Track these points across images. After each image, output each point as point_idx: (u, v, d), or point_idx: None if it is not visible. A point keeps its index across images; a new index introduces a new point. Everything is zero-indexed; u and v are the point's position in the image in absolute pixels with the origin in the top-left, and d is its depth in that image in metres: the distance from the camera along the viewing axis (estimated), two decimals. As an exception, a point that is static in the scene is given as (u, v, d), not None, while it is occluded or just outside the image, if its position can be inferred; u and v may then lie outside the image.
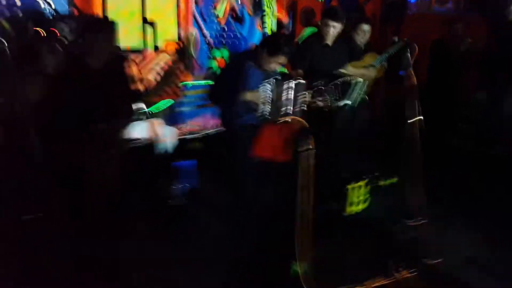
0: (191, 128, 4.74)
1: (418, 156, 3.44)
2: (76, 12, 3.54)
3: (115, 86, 2.58)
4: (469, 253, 3.08)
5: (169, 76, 2.97)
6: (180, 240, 3.20)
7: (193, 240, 3.23)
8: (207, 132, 4.87)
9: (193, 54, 4.57)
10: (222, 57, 4.92)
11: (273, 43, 3.12)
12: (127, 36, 3.81)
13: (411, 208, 3.40)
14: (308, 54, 3.78)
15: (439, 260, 2.88)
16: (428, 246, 3.03)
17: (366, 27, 4.23)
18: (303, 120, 2.79)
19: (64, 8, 3.45)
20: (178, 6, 4.19)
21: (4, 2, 2.47)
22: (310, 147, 2.58)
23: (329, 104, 3.51)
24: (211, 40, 4.76)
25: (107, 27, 2.59)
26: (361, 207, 3.64)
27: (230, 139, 3.13)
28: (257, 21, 5.21)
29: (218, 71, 4.88)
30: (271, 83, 3.06)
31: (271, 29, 5.37)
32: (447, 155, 4.83)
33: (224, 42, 4.91)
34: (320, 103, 3.41)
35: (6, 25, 1.58)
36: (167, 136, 4.37)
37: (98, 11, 3.56)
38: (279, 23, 5.48)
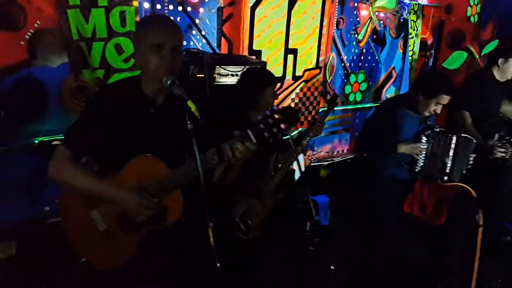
0: (319, 154, 4.59)
1: None
2: (224, 40, 3.57)
3: None
4: None
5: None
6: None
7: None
8: (335, 159, 4.69)
9: (328, 79, 4.40)
10: (357, 82, 4.68)
11: (430, 83, 2.78)
12: (269, 65, 3.76)
13: None
14: (478, 94, 3.26)
15: None
16: None
17: None
18: (467, 187, 2.44)
19: (213, 37, 3.51)
20: (320, 32, 4.02)
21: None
22: (479, 223, 2.25)
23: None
24: (347, 64, 4.54)
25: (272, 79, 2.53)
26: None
27: (376, 190, 2.89)
28: (399, 42, 4.85)
29: (352, 97, 4.66)
30: (429, 135, 2.75)
31: (413, 51, 4.99)
32: None
33: (360, 65, 4.66)
34: (500, 154, 2.96)
35: (192, 106, 1.53)
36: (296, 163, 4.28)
37: (245, 40, 3.54)
38: (423, 44, 5.05)
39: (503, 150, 2.96)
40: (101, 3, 2.89)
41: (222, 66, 2.63)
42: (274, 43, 3.75)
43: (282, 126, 1.50)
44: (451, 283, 2.77)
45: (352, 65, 4.59)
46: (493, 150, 2.96)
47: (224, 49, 3.57)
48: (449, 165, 2.77)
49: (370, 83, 4.80)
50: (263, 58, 3.70)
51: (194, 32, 3.39)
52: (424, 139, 2.76)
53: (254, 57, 3.58)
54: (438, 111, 2.80)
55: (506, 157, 2.98)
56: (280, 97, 3.99)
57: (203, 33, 3.43)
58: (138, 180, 1.70)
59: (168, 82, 1.60)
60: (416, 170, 2.81)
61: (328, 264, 3.26)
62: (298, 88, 4.07)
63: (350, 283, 3.09)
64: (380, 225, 2.94)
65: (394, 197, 2.88)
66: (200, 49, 3.28)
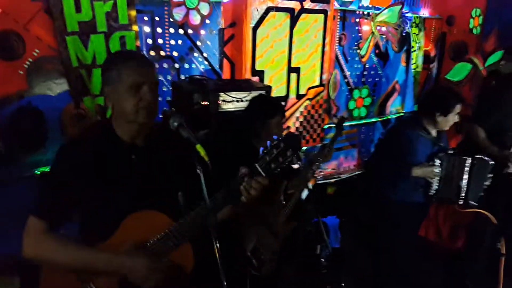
0: (325, 172, 4.51)
1: None
2: (226, 61, 3.50)
3: None
4: None
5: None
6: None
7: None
8: (341, 176, 4.61)
9: (332, 96, 4.34)
10: (361, 97, 4.61)
11: (443, 100, 2.72)
12: (272, 85, 3.69)
13: None
14: (495, 109, 3.19)
15: None
16: None
17: None
18: (487, 213, 2.34)
19: (215, 59, 3.44)
20: (323, 49, 3.95)
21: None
22: (502, 252, 2.16)
23: None
24: (351, 80, 4.48)
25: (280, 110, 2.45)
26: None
27: (390, 215, 2.80)
28: (402, 56, 4.80)
29: (356, 112, 4.60)
30: (442, 158, 2.67)
31: (416, 64, 4.93)
32: None
33: (364, 80, 4.60)
34: None
35: (201, 150, 1.42)
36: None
37: (248, 60, 3.48)
38: (426, 56, 5.00)
39: None
40: (100, 29, 2.83)
41: (226, 93, 2.55)
42: (277, 62, 3.69)
43: (288, 153, 1.44)
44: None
45: (356, 80, 4.52)
46: (508, 162, 2.86)
47: (226, 71, 3.51)
48: (464, 188, 2.69)
49: (375, 97, 4.73)
50: (266, 78, 3.63)
51: (195, 54, 3.33)
52: (437, 162, 2.67)
53: (257, 77, 3.51)
54: (457, 119, 2.75)
55: None
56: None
57: (204, 55, 3.37)
58: (136, 241, 1.49)
59: (175, 124, 1.46)
60: (431, 193, 2.72)
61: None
62: (302, 106, 4.00)
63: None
64: (394, 249, 2.84)
65: (408, 222, 2.79)
66: (204, 74, 3.22)
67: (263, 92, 2.77)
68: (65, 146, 1.57)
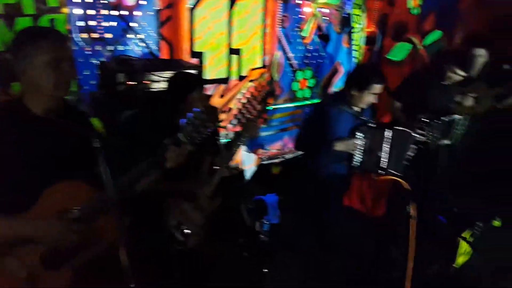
0: (270, 152, 4.61)
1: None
2: (163, 43, 3.50)
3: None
4: None
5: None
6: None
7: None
8: (285, 156, 4.72)
9: (276, 78, 4.41)
10: (305, 78, 4.72)
11: (360, 76, 2.83)
12: (213, 66, 3.73)
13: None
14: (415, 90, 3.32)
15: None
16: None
17: (481, 51, 3.49)
18: (402, 181, 2.47)
19: (152, 40, 3.44)
20: (264, 31, 4.01)
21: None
22: (412, 215, 2.29)
23: (432, 142, 3.06)
24: (295, 62, 4.56)
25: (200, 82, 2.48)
26: (464, 258, 3.22)
27: (317, 188, 2.92)
28: (344, 38, 4.92)
29: (300, 94, 4.69)
30: (363, 130, 2.79)
31: (358, 45, 5.06)
32: None
33: (308, 62, 4.69)
34: (419, 136, 2.97)
35: (97, 123, 1.47)
36: (246, 163, 4.29)
37: (186, 42, 3.50)
38: (368, 38, 5.14)
39: (422, 132, 2.94)
40: (27, 11, 2.77)
41: (153, 73, 2.57)
42: (217, 44, 3.72)
43: (208, 124, 1.55)
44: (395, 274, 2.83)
45: (300, 62, 4.61)
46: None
47: (164, 53, 3.51)
48: (384, 159, 2.82)
49: (318, 79, 4.84)
50: (206, 60, 3.66)
51: (131, 36, 3.31)
52: (359, 134, 2.79)
53: (194, 59, 3.54)
54: (374, 101, 2.83)
55: (429, 141, 3.00)
56: (226, 98, 3.97)
57: (140, 36, 3.36)
58: (58, 211, 1.52)
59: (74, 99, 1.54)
60: (354, 165, 2.84)
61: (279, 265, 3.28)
62: (244, 88, 4.06)
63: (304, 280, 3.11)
64: (326, 221, 2.97)
65: (335, 194, 2.91)
66: (134, 55, 3.21)
67: (194, 71, 2.80)
68: None
